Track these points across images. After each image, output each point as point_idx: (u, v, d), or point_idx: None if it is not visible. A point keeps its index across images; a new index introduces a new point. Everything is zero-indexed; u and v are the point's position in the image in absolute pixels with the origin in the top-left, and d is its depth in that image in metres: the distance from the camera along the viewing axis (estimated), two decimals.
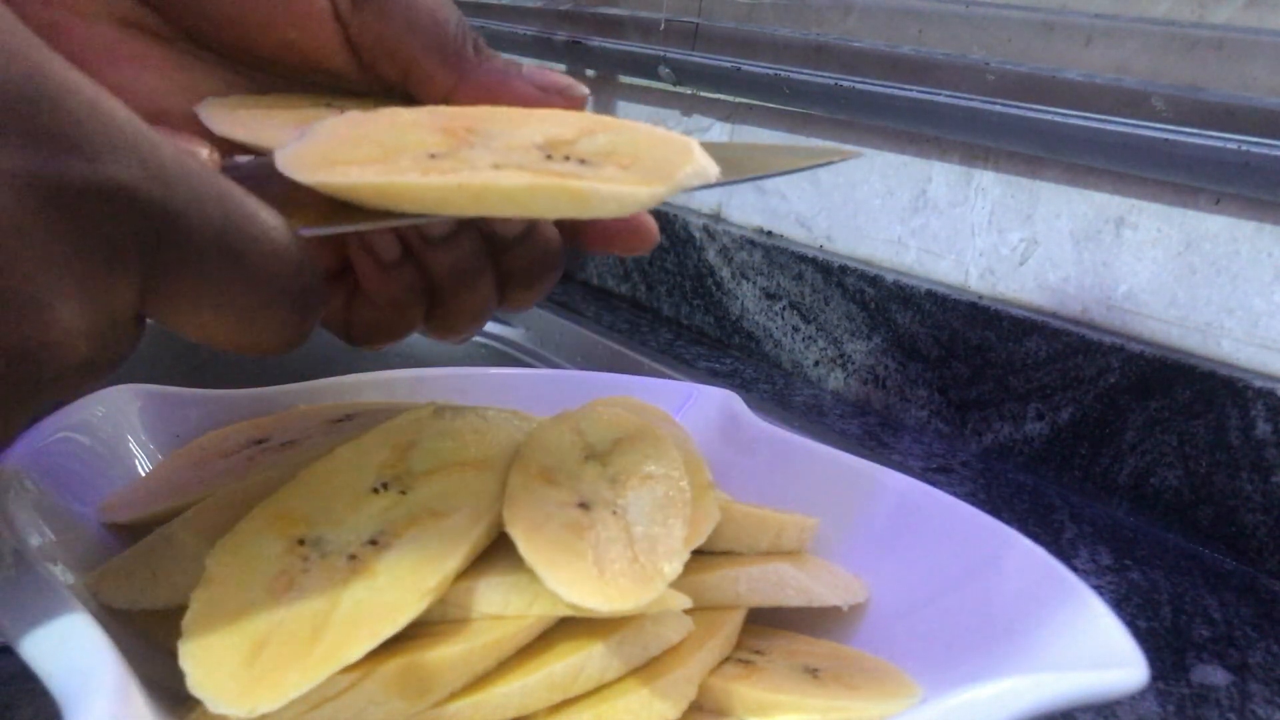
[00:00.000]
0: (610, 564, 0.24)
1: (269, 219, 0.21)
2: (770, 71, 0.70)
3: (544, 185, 0.21)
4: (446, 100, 0.28)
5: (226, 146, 0.26)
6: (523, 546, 0.24)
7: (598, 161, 0.23)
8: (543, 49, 0.91)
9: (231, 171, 0.22)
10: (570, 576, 0.23)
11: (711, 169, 0.23)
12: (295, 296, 0.21)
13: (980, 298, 0.62)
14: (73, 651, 0.20)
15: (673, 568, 0.25)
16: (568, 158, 0.23)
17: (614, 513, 0.26)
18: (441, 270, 0.29)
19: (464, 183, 0.21)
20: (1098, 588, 0.42)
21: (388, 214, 0.22)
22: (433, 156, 0.22)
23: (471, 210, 0.22)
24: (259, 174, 0.23)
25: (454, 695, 0.23)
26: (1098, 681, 0.23)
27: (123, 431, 0.33)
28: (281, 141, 0.25)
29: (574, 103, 0.28)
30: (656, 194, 0.22)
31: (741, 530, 0.31)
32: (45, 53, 0.17)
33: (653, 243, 0.29)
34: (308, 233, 0.22)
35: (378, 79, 0.28)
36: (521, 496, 0.26)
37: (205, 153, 0.22)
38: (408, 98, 0.28)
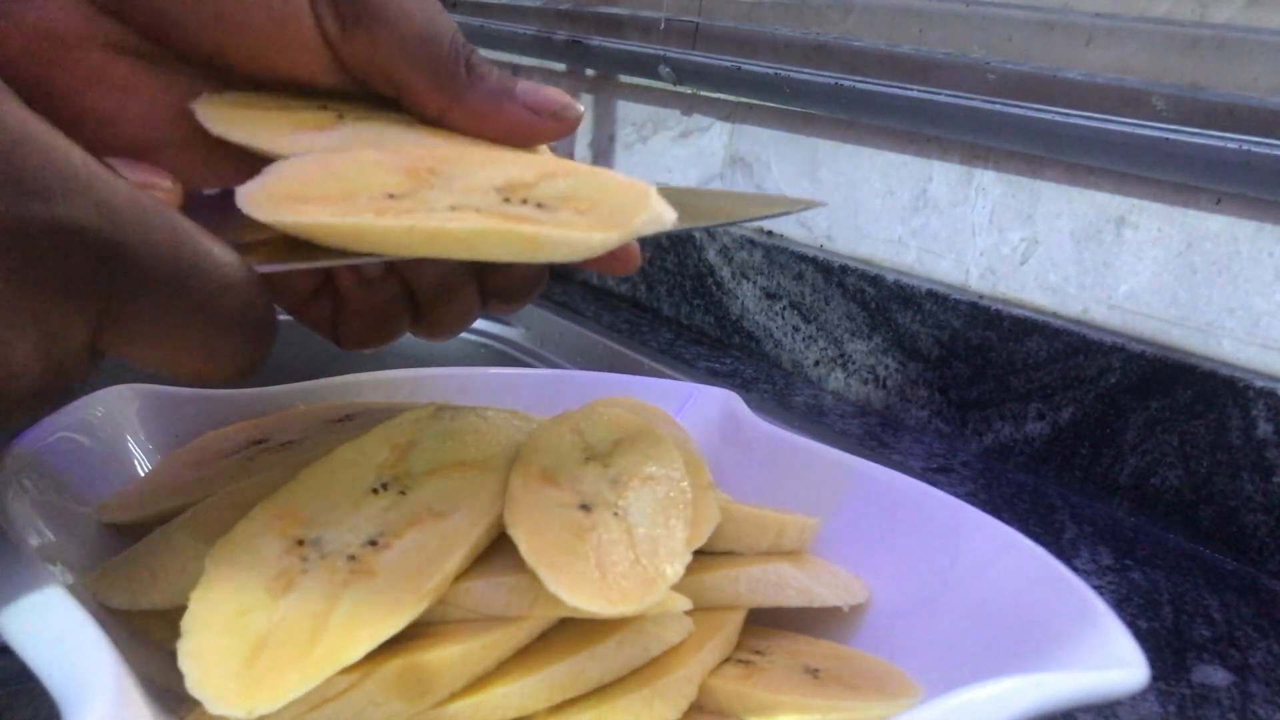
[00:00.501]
0: (612, 566, 0.24)
1: (222, 255, 0.21)
2: (770, 71, 0.70)
3: (496, 229, 0.21)
4: (439, 120, 0.28)
5: (211, 165, 0.26)
6: (525, 549, 0.24)
7: (555, 205, 0.23)
8: (543, 48, 0.91)
9: (197, 203, 0.22)
10: (572, 579, 0.23)
11: (668, 215, 0.24)
12: (247, 330, 0.22)
13: (981, 297, 0.62)
14: (72, 651, 0.20)
15: (674, 570, 0.25)
16: (525, 201, 0.23)
17: (615, 514, 0.26)
18: (424, 285, 0.29)
19: (416, 225, 0.21)
20: (1098, 588, 0.42)
21: (346, 251, 0.23)
22: (391, 196, 0.22)
23: (426, 252, 0.22)
24: (224, 206, 0.23)
25: (454, 696, 0.23)
26: (1098, 681, 0.23)
27: (123, 431, 0.33)
28: (279, 144, 0.25)
29: (567, 124, 0.28)
30: (609, 240, 0.22)
31: (742, 530, 0.31)
32: (2, 96, 0.18)
33: (635, 266, 0.29)
34: (264, 269, 0.22)
35: (373, 94, 0.28)
36: (523, 498, 0.26)
37: (169, 184, 0.23)
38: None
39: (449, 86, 0.27)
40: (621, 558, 0.25)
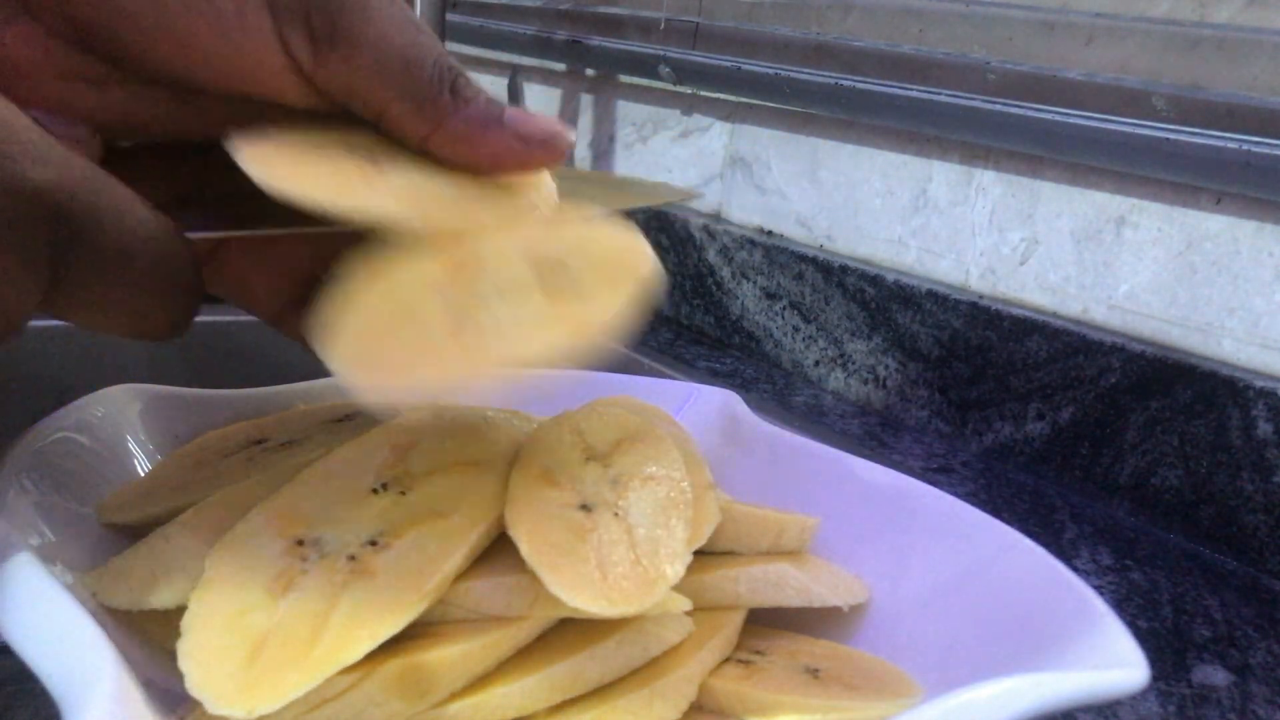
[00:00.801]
0: (613, 567, 0.24)
1: (158, 224, 0.22)
2: (771, 71, 0.70)
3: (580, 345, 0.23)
4: (422, 146, 0.26)
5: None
6: (525, 550, 0.24)
7: (579, 273, 0.25)
8: (543, 48, 0.91)
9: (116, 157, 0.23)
10: (572, 579, 0.23)
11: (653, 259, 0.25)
12: (179, 293, 0.23)
13: (981, 297, 0.62)
14: (72, 652, 0.20)
15: (675, 570, 0.25)
16: (556, 274, 0.25)
17: (616, 514, 0.26)
18: None
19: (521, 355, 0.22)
20: (1098, 588, 0.42)
21: (288, 220, 0.24)
22: (452, 312, 0.23)
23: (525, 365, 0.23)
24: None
25: (454, 696, 0.23)
26: (1098, 682, 0.23)
27: (123, 431, 0.33)
28: (337, 200, 0.24)
29: (556, 153, 0.27)
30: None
31: (742, 530, 0.31)
32: None
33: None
34: (195, 235, 0.24)
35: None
36: (523, 498, 0.26)
37: (84, 134, 0.23)
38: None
39: (431, 112, 0.25)
40: (622, 558, 0.25)
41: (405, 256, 0.24)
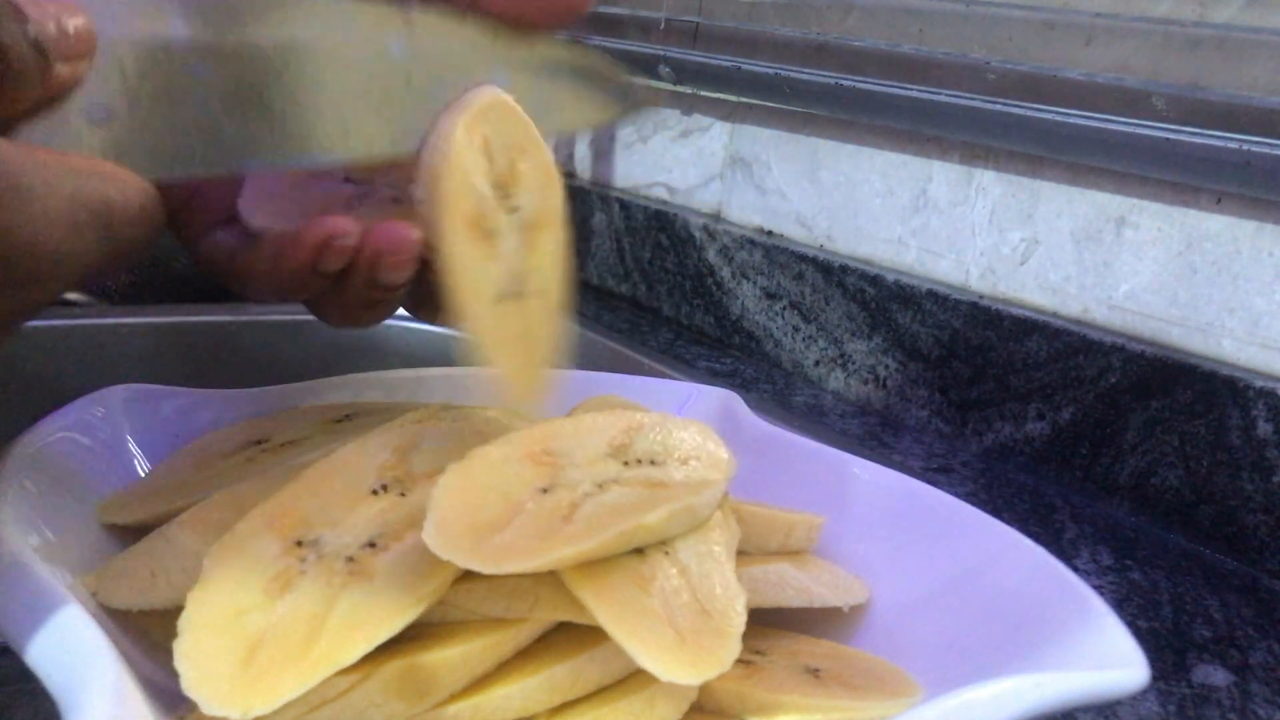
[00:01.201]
0: (684, 622, 0.23)
1: (131, 185, 0.22)
2: (771, 71, 0.70)
3: (679, 509, 0.25)
4: (478, 4, 0.30)
5: None
6: (603, 619, 0.23)
7: (662, 459, 0.27)
8: None
9: None
10: (658, 648, 0.22)
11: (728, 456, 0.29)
12: (145, 246, 0.23)
13: (981, 297, 0.62)
14: (72, 652, 0.20)
15: (740, 613, 0.24)
16: (640, 461, 0.27)
17: (666, 553, 0.26)
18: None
19: (624, 530, 0.24)
20: (1098, 588, 0.42)
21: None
22: (544, 491, 0.25)
23: (621, 548, 0.25)
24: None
25: (454, 697, 0.23)
26: (1098, 681, 0.23)
27: (123, 431, 0.33)
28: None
29: (581, 9, 0.31)
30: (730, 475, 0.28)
31: (752, 531, 0.31)
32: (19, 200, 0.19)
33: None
34: (169, 179, 0.23)
35: None
36: None
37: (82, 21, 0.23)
38: None
39: None
40: (687, 606, 0.24)
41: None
